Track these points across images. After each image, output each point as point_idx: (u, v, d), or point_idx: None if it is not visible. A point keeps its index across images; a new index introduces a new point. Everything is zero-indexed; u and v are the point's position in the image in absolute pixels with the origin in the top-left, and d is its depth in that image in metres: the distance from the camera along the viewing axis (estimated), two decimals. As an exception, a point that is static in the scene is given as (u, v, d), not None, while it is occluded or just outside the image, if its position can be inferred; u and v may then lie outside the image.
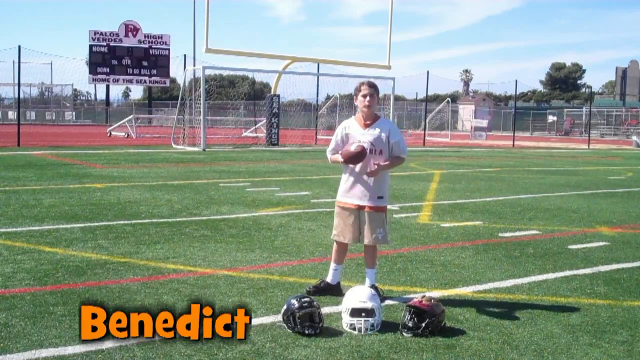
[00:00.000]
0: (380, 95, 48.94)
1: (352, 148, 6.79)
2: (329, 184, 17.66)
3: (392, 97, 40.22)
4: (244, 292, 7.07)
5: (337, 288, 7.09)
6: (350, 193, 6.94)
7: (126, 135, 46.24)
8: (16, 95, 48.13)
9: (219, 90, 49.14)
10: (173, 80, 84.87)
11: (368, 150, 6.79)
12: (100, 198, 13.93)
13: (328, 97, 54.38)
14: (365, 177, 6.86)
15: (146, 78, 69.99)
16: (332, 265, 7.15)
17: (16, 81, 37.92)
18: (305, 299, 5.96)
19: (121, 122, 50.49)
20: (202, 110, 32.66)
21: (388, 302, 6.78)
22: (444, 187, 17.87)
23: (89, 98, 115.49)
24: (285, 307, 6.01)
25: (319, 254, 9.11)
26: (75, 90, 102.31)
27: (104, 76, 68.55)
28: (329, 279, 7.13)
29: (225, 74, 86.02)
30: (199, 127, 33.75)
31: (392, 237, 10.32)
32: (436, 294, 7.11)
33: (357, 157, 6.77)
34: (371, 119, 6.89)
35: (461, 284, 7.66)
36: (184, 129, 35.92)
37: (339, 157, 6.95)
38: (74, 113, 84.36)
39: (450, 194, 16.18)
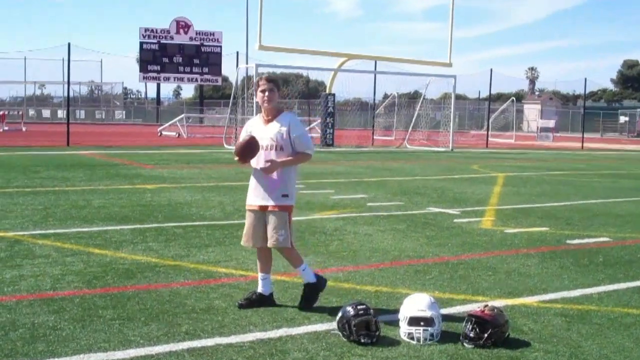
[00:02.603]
0: (441, 93, 48.80)
1: (240, 139, 6.80)
2: (387, 187, 17.62)
3: (453, 96, 39.95)
4: (297, 298, 7.08)
5: (269, 299, 6.89)
6: (254, 193, 6.87)
7: (177, 135, 46.81)
8: (65, 94, 49.17)
9: (273, 88, 49.33)
10: (225, 79, 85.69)
11: (266, 147, 6.72)
12: (150, 199, 14.13)
13: (386, 96, 54.28)
14: (267, 176, 6.76)
15: (197, 76, 70.79)
16: (259, 274, 6.98)
17: (65, 79, 38.75)
18: (361, 306, 5.95)
19: (172, 121, 51.12)
20: (254, 109, 32.87)
21: (449, 311, 6.73)
22: (508, 190, 17.67)
23: (139, 96, 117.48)
24: (340, 314, 6.01)
25: (376, 259, 9.09)
26: (125, 88, 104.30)
27: (154, 74, 69.57)
28: (260, 289, 6.93)
29: (278, 71, 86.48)
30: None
31: (453, 244, 10.26)
32: (499, 303, 7.03)
33: (248, 148, 6.70)
34: (272, 115, 6.85)
35: (526, 293, 7.56)
36: (236, 129, 36.16)
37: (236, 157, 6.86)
38: (124, 112, 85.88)
39: (515, 198, 16.00)
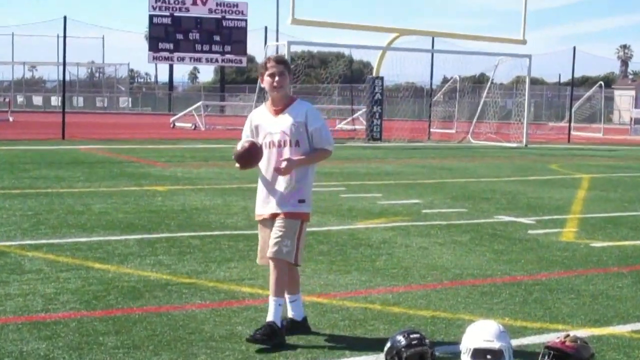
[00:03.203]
0: (512, 77, 48.51)
1: (239, 146, 6.71)
2: (446, 190, 17.56)
3: (527, 80, 39.72)
4: (337, 324, 7.09)
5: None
6: (266, 201, 6.80)
7: (193, 127, 47.15)
8: (61, 77, 49.52)
9: (308, 71, 49.52)
10: (251, 59, 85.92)
11: (278, 143, 6.67)
12: (161, 204, 14.24)
13: (445, 80, 54.09)
14: (281, 178, 6.68)
15: (218, 56, 70.99)
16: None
17: (61, 60, 39.03)
18: (414, 335, 5.93)
19: (187, 110, 51.51)
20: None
21: (521, 342, 6.68)
22: (595, 195, 17.53)
23: (149, 80, 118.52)
24: (389, 344, 5.99)
25: (432, 278, 9.06)
26: (131, 71, 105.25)
27: (166, 54, 69.88)
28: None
29: (315, 50, 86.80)
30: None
31: (527, 260, 10.19)
32: (583, 333, 6.97)
33: (248, 155, 6.67)
34: (283, 104, 6.77)
35: (616, 321, 7.49)
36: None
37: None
38: (130, 99, 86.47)
39: (603, 205, 15.86)
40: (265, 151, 6.72)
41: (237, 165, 6.78)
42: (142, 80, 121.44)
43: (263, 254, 6.83)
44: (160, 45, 68.83)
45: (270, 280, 6.72)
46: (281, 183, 6.70)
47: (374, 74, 38.94)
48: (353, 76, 54.78)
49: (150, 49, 69.75)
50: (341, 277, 8.98)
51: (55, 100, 75.31)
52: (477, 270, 9.52)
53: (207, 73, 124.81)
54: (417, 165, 24.82)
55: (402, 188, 17.97)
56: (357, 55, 48.15)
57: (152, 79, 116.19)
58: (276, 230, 6.64)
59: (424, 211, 14.27)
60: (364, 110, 41.65)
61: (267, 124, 6.77)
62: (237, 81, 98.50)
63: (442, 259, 10.10)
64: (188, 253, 10.02)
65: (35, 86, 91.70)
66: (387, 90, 40.98)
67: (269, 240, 6.69)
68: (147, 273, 8.89)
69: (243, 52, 72.35)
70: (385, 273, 9.24)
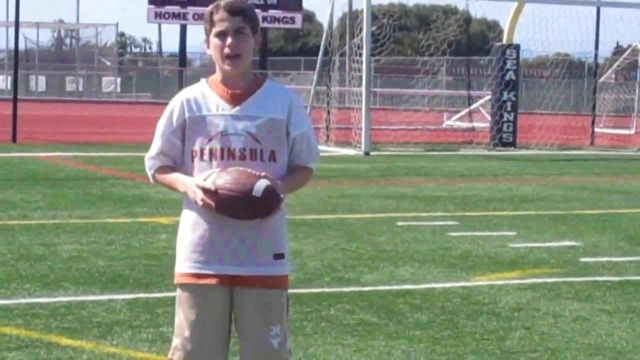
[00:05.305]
0: None
1: (259, 188, 5.61)
2: (618, 226, 17.43)
3: None
4: None
5: None
6: (213, 253, 5.88)
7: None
8: (12, 46, 50.04)
9: (400, 35, 49.47)
10: (309, 17, 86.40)
11: (240, 153, 5.80)
12: (166, 245, 14.28)
13: (619, 51, 53.74)
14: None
15: (258, 12, 71.38)
16: None
17: (12, 18, 39.31)
18: None
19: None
20: (364, 75, 33.03)
21: None
22: None
23: (148, 51, 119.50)
24: None
25: (597, 367, 8.99)
26: (122, 36, 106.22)
27: (176, 9, 70.66)
28: None
29: (411, 3, 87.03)
30: (358, 109, 34.09)
31: None
32: None
33: (246, 209, 5.67)
34: (245, 85, 5.91)
35: None
36: (328, 111, 36.31)
37: (179, 184, 5.88)
38: (118, 80, 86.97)
39: None
40: (212, 164, 5.83)
41: (211, 205, 5.71)
42: (137, 50, 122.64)
43: (181, 340, 5.96)
44: (167, -3, 69.66)
45: None
46: (238, 225, 5.82)
47: (504, 41, 38.89)
48: (471, 44, 54.54)
49: (151, 2, 70.62)
50: (450, 363, 8.95)
51: (2, 82, 76.30)
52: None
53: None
54: (573, 186, 24.73)
55: (549, 223, 17.88)
56: (478, 11, 47.98)
57: (154, 49, 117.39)
58: (259, 314, 5.97)
59: (583, 259, 14.17)
60: (487, 98, 41.62)
61: (218, 117, 5.88)
62: (287, 52, 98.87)
63: (613, 337, 9.99)
64: (207, 322, 10.03)
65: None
66: (525, 66, 40.96)
67: (246, 329, 6.00)
68: (142, 354, 8.92)
69: (297, 7, 72.69)
70: (521, 358, 9.19)
